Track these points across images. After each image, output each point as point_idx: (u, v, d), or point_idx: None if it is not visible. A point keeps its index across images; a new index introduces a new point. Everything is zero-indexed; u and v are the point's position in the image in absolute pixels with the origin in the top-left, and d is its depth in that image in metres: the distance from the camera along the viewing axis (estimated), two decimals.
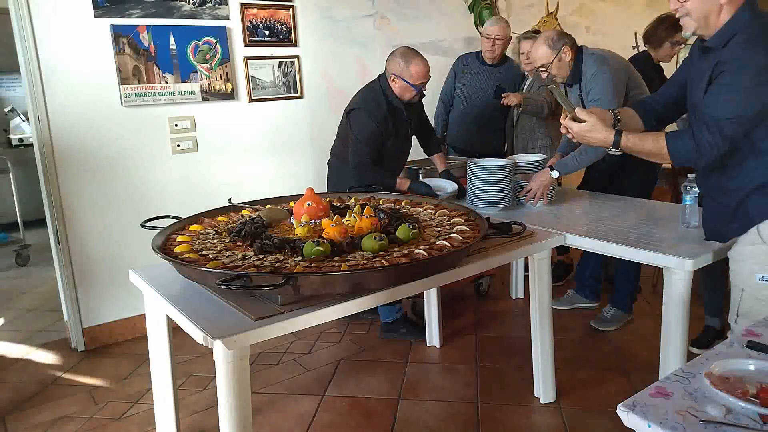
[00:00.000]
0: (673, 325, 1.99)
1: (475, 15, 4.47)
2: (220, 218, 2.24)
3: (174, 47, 3.22)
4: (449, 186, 2.89)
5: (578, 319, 3.29)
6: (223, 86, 3.41)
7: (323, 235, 1.83)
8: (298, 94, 3.72)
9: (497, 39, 3.56)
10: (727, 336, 2.06)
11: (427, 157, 3.29)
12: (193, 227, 2.09)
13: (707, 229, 1.98)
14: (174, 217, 2.17)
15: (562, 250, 3.86)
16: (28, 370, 3.00)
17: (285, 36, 3.62)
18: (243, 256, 1.76)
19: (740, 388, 1.07)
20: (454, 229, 2.01)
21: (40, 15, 2.85)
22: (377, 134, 2.76)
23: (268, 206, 2.27)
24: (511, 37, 3.65)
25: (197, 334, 1.51)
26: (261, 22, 3.51)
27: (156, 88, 3.19)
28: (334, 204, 2.32)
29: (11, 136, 5.97)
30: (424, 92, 2.86)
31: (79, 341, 3.16)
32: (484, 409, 2.46)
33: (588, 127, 1.86)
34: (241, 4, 3.41)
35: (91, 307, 3.17)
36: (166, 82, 3.22)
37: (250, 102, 3.53)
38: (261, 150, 3.62)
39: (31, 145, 3.17)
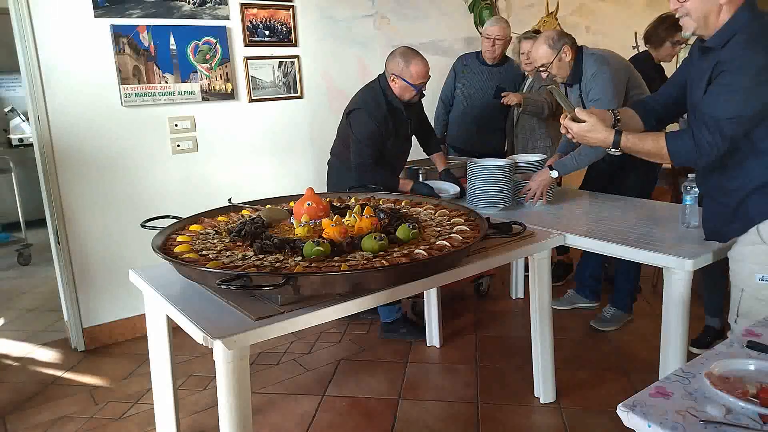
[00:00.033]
0: (673, 325, 1.99)
1: (475, 15, 4.47)
2: (220, 218, 2.24)
3: (174, 47, 3.22)
4: (451, 188, 2.90)
5: (578, 319, 3.29)
6: (223, 86, 3.41)
7: (323, 235, 1.83)
8: (298, 94, 3.72)
9: (497, 39, 3.56)
10: (727, 336, 2.06)
11: (426, 157, 3.29)
12: (193, 227, 2.09)
13: (707, 229, 1.98)
14: (174, 217, 2.17)
15: (562, 250, 3.86)
16: (28, 370, 3.00)
17: (285, 36, 3.62)
18: (243, 256, 1.76)
19: (740, 388, 1.07)
20: (454, 229, 2.01)
21: (40, 15, 2.85)
22: (378, 134, 2.77)
23: (268, 206, 2.27)
24: (512, 37, 3.65)
25: (197, 334, 1.51)
26: (261, 22, 3.51)
27: (156, 88, 3.19)
28: (334, 204, 2.32)
29: (11, 136, 5.97)
30: (423, 92, 2.86)
31: (79, 341, 3.16)
32: (484, 409, 2.46)
33: (588, 128, 1.86)
34: (241, 4, 3.41)
35: (91, 307, 3.17)
36: (166, 82, 3.22)
37: (250, 102, 3.53)
38: (261, 150, 3.62)
39: (31, 145, 3.17)
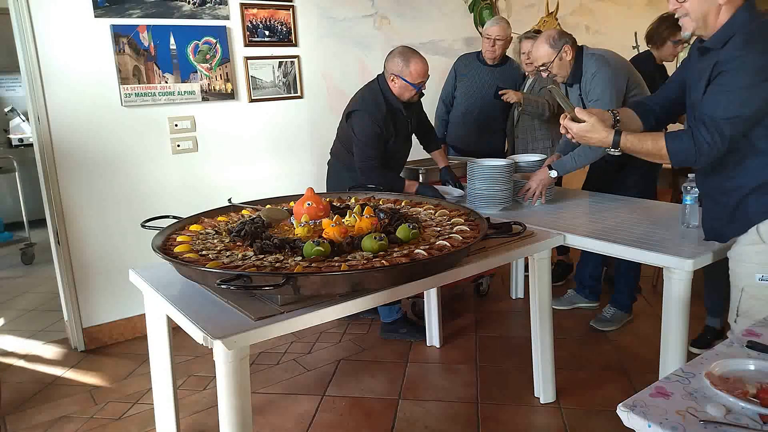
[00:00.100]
0: (673, 325, 1.99)
1: (475, 15, 4.47)
2: (220, 218, 2.24)
3: (174, 47, 3.22)
4: (455, 192, 2.90)
5: (578, 319, 3.29)
6: (223, 86, 3.41)
7: (323, 235, 1.83)
8: (298, 94, 3.72)
9: (497, 39, 3.56)
10: (727, 336, 2.06)
11: (426, 157, 3.28)
12: (193, 227, 2.09)
13: (707, 229, 1.98)
14: (174, 217, 2.17)
15: (562, 250, 3.87)
16: (28, 370, 3.00)
17: (285, 36, 3.62)
18: (243, 256, 1.76)
19: (740, 388, 1.07)
20: (454, 229, 2.01)
21: (40, 15, 2.85)
22: (379, 135, 2.76)
23: (268, 206, 2.27)
24: (512, 37, 3.65)
25: (197, 334, 1.51)
26: (261, 22, 3.51)
27: (156, 88, 3.19)
28: (334, 204, 2.32)
29: (11, 136, 5.97)
30: (423, 91, 2.86)
31: (79, 341, 3.16)
32: (484, 409, 2.46)
33: (587, 128, 1.85)
34: (241, 4, 3.41)
35: (91, 307, 3.17)
36: (166, 82, 3.22)
37: (250, 102, 3.53)
38: (261, 150, 3.62)
39: (31, 145, 3.17)
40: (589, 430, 2.31)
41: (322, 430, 2.38)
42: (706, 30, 1.72)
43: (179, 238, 1.95)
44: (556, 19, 5.01)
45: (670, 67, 3.22)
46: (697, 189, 2.13)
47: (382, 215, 2.06)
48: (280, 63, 3.62)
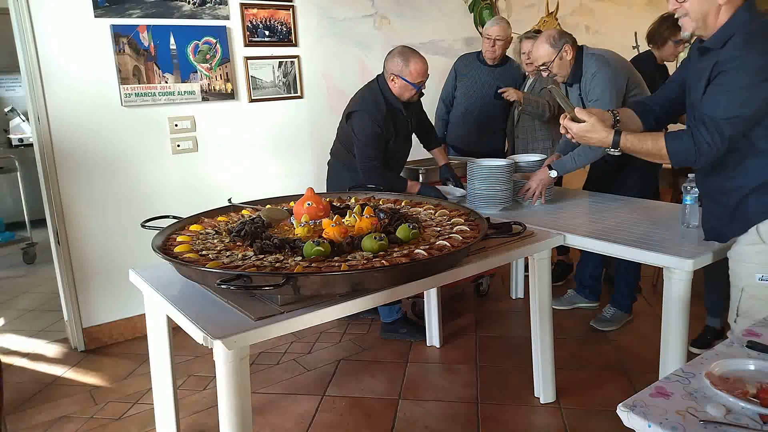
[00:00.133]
0: (673, 325, 1.99)
1: (475, 15, 4.47)
2: (220, 218, 2.24)
3: (174, 47, 3.22)
4: (457, 192, 2.90)
5: (578, 319, 3.29)
6: (223, 86, 3.41)
7: (323, 235, 1.83)
8: (298, 94, 3.72)
9: (498, 40, 3.56)
10: (727, 336, 2.06)
11: (426, 157, 3.28)
12: (193, 227, 2.09)
13: (707, 229, 1.98)
14: (174, 217, 2.17)
15: (562, 250, 3.86)
16: (28, 370, 3.00)
17: (285, 36, 3.62)
18: (243, 256, 1.76)
19: (740, 388, 1.07)
20: (454, 229, 2.01)
21: (40, 15, 2.85)
22: (379, 135, 2.76)
23: (268, 206, 2.27)
24: (512, 37, 3.65)
25: (197, 334, 1.51)
26: (261, 22, 3.51)
27: (156, 88, 3.19)
28: (334, 204, 2.32)
29: (11, 136, 5.97)
30: (423, 91, 2.86)
31: (79, 341, 3.16)
32: (484, 409, 2.46)
33: (587, 127, 1.85)
34: (241, 4, 3.41)
35: (91, 307, 3.17)
36: (166, 82, 3.22)
37: (250, 102, 3.53)
38: (261, 150, 3.62)
39: (31, 145, 3.18)
40: (589, 430, 2.31)
41: (322, 430, 2.38)
42: (705, 30, 1.72)
43: (179, 238, 1.95)
44: (556, 19, 5.01)
45: (671, 68, 3.22)
46: (697, 189, 2.13)
47: (382, 215, 2.06)
48: (280, 63, 3.62)
